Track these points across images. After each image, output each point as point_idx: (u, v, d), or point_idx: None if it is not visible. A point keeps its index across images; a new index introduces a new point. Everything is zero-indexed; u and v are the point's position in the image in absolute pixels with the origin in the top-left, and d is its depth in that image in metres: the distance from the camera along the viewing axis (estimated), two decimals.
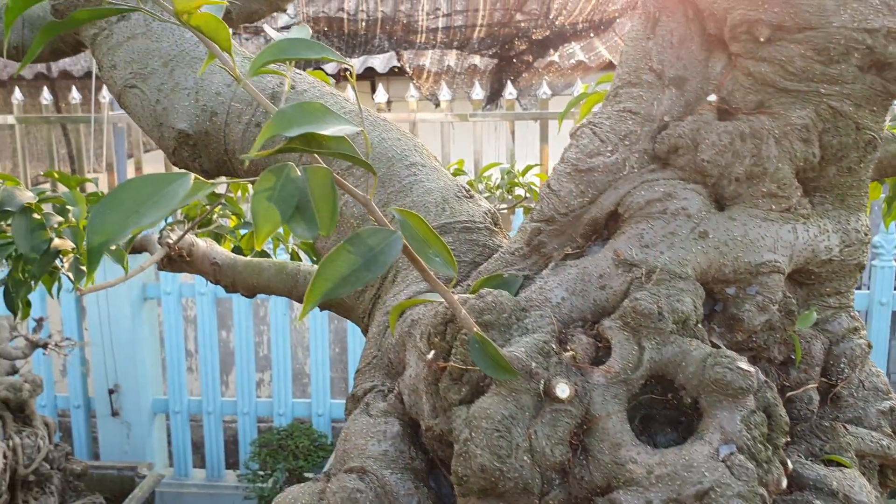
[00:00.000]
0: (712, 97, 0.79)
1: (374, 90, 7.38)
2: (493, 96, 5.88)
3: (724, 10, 0.77)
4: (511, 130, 4.58)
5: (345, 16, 6.23)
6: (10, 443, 3.36)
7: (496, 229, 0.96)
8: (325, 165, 0.61)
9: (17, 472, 3.36)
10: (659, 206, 0.76)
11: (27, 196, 1.35)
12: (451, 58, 6.21)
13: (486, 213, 0.97)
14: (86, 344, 4.42)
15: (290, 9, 6.56)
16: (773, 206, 0.77)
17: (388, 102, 5.31)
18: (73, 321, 4.40)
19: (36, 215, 1.34)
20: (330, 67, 6.42)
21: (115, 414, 4.46)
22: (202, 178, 0.58)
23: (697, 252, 0.75)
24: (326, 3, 6.37)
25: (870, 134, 0.78)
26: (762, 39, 0.75)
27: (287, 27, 6.20)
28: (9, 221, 1.44)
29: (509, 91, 4.62)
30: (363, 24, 6.19)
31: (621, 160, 0.79)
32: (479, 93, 4.71)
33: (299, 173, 0.60)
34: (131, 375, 4.44)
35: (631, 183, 0.79)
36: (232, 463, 4.79)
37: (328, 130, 0.60)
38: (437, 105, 5.69)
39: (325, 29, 5.79)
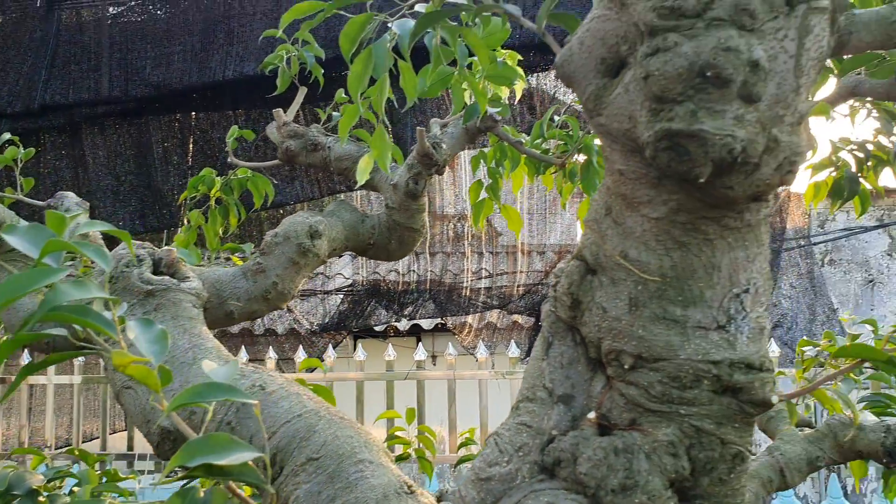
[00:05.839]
0: (592, 414, 0.90)
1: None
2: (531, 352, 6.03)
3: (598, 339, 0.91)
4: None
5: (397, 277, 6.61)
6: None
7: None
8: (223, 489, 0.73)
9: None
10: None
11: (36, 480, 1.48)
12: (494, 314, 6.48)
13: None
14: None
15: (347, 271, 7.02)
16: None
17: (434, 357, 5.47)
18: None
19: (41, 498, 1.47)
20: (379, 326, 6.73)
21: None
22: None
23: None
24: (378, 266, 6.77)
25: (736, 448, 0.87)
26: (627, 367, 0.87)
27: (341, 289, 6.60)
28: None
29: None
30: (414, 284, 6.54)
31: (514, 470, 0.89)
32: (514, 350, 4.87)
33: (202, 495, 0.72)
34: None
35: (522, 492, 0.88)
36: None
37: (227, 459, 0.73)
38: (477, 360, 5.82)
39: (385, 289, 6.14)
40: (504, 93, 1.88)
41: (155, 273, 1.41)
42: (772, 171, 0.78)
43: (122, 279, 1.37)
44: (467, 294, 6.29)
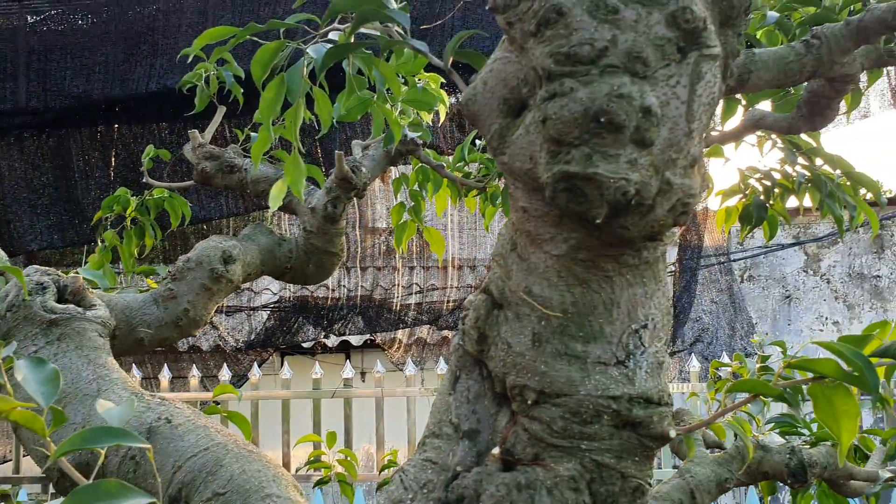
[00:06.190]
0: (496, 449, 0.91)
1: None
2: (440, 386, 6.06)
3: (503, 373, 0.91)
4: None
5: (326, 293, 6.55)
6: None
7: None
8: None
9: None
10: None
11: None
12: (424, 330, 6.47)
13: None
14: None
15: (274, 286, 6.92)
16: None
17: (363, 373, 5.43)
18: None
19: None
20: (307, 343, 6.65)
21: None
22: None
23: None
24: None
25: (636, 481, 0.89)
26: (530, 402, 0.88)
27: (268, 305, 6.51)
28: None
29: None
30: (344, 299, 6.49)
31: None
32: (444, 367, 4.88)
33: None
34: None
35: None
36: None
37: None
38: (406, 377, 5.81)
39: (313, 304, 6.08)
40: (427, 116, 1.89)
41: (60, 301, 1.37)
42: (665, 213, 0.79)
43: (23, 308, 1.32)
44: (397, 309, 6.27)
